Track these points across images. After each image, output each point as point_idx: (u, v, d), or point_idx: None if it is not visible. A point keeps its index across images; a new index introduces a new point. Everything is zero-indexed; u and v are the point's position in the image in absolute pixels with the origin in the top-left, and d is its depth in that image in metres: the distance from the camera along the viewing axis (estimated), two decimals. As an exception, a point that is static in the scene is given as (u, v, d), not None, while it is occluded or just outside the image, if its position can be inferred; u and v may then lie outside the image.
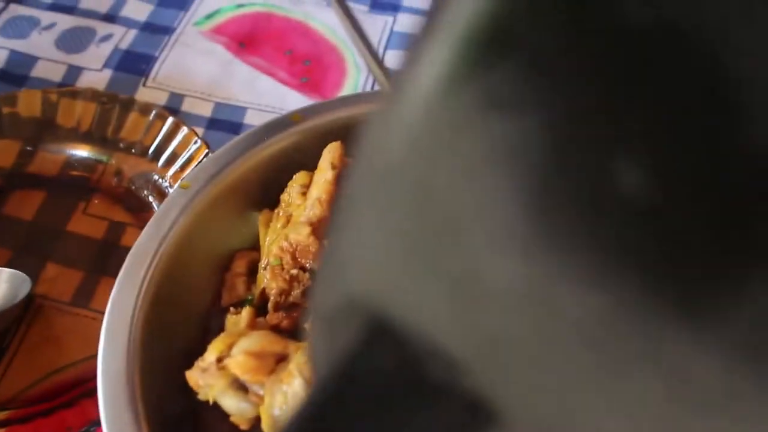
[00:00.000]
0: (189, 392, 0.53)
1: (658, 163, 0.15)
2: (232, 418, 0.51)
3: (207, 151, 0.70)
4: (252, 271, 0.61)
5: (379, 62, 0.57)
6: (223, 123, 0.78)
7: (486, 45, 0.16)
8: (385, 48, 0.86)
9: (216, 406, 0.52)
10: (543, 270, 0.16)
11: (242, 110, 0.79)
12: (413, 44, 0.18)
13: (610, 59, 0.15)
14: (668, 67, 0.14)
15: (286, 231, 0.57)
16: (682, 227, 0.15)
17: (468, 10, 0.16)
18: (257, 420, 0.51)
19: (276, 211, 0.61)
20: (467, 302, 0.18)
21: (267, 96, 0.81)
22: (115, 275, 0.56)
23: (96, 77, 0.82)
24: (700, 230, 0.15)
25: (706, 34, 0.14)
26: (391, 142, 0.18)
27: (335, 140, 0.61)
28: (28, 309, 0.64)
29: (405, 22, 0.89)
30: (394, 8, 0.90)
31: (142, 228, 0.69)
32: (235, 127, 0.78)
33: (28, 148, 0.74)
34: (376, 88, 0.82)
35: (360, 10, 0.89)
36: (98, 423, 0.58)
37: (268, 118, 0.77)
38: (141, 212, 0.71)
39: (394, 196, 0.19)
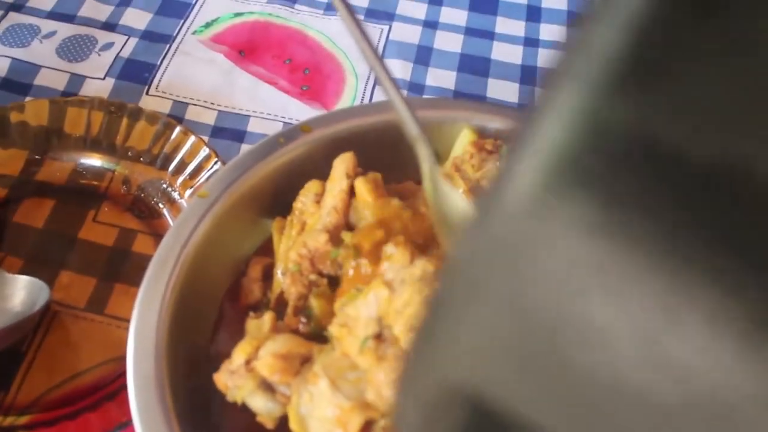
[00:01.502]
0: (211, 392, 0.56)
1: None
2: (258, 418, 0.54)
3: (216, 159, 0.72)
4: (266, 276, 0.64)
5: (383, 64, 0.60)
6: (228, 131, 0.80)
7: (565, 175, 0.18)
8: (382, 56, 0.88)
9: (237, 406, 0.55)
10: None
11: (245, 118, 0.81)
12: (502, 162, 0.20)
13: (680, 197, 0.17)
14: (741, 204, 0.17)
15: (304, 238, 0.60)
16: None
17: (552, 142, 0.18)
18: (281, 419, 0.54)
19: (289, 218, 0.63)
20: (581, 402, 0.19)
21: (269, 104, 0.83)
22: (126, 281, 0.58)
23: (99, 86, 0.83)
24: None
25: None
26: (482, 253, 0.20)
27: (345, 150, 0.63)
28: (44, 315, 0.66)
29: (399, 31, 0.92)
30: (389, 17, 0.93)
31: (152, 234, 0.72)
32: (239, 135, 0.80)
33: (36, 156, 0.76)
34: (375, 95, 0.85)
35: (355, 19, 0.92)
36: (123, 425, 0.60)
37: (271, 125, 0.80)
38: (151, 219, 0.73)
39: (486, 302, 0.21)
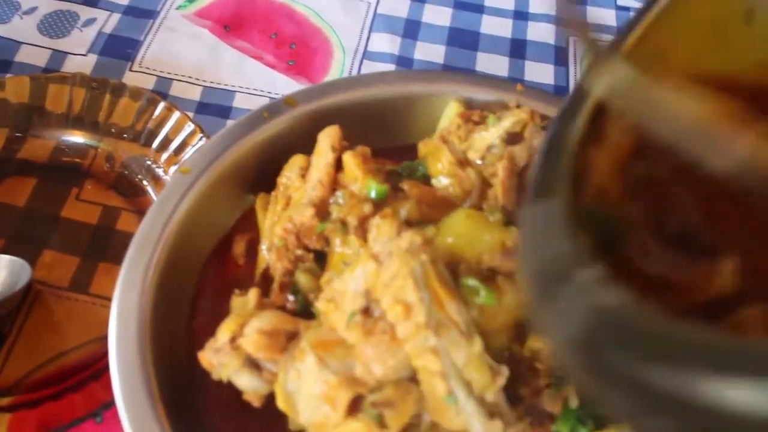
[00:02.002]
0: (195, 371, 0.55)
1: None
2: (245, 396, 0.53)
3: (201, 135, 0.71)
4: (250, 253, 0.62)
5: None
6: (213, 107, 0.79)
7: None
8: (370, 30, 0.87)
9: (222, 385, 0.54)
10: None
11: (231, 94, 0.80)
12: None
13: None
14: None
15: (289, 212, 0.58)
16: None
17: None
18: (268, 397, 0.53)
19: (273, 194, 0.62)
20: None
21: (255, 79, 0.82)
22: (111, 260, 0.57)
23: (81, 62, 0.82)
24: None
25: None
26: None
27: (330, 124, 0.62)
28: (27, 295, 0.65)
29: (388, 5, 0.90)
30: (377, -9, 0.92)
31: (136, 212, 0.71)
32: (225, 111, 0.79)
33: (18, 134, 0.74)
34: (363, 69, 0.84)
35: (343, -7, 0.91)
36: (108, 405, 0.59)
37: (257, 101, 0.79)
38: (135, 197, 0.71)
39: None
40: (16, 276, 0.63)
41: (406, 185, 0.57)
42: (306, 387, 0.49)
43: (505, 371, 0.48)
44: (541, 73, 0.85)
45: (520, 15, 0.91)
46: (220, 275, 0.61)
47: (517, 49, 0.88)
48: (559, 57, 0.87)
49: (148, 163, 0.73)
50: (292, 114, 0.65)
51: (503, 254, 0.51)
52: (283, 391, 0.51)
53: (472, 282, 0.49)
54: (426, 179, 0.59)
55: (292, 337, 0.52)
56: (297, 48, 0.85)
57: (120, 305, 0.54)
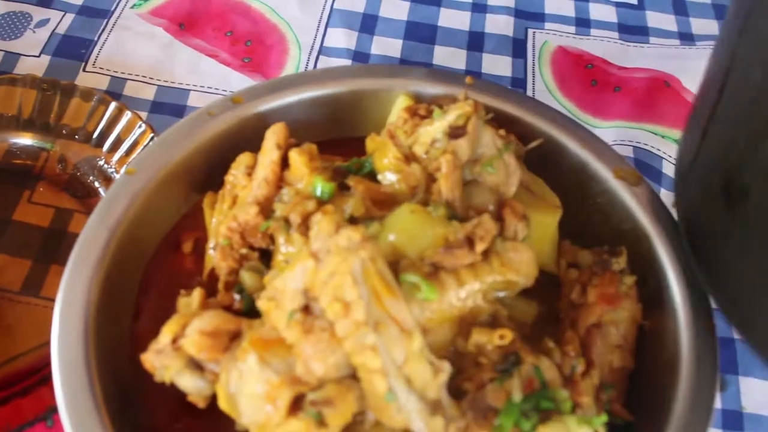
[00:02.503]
0: (141, 374, 0.55)
1: None
2: (189, 398, 0.52)
3: (152, 134, 0.70)
4: (198, 252, 0.62)
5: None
6: (167, 106, 0.78)
7: None
8: (326, 26, 0.87)
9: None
10: None
11: (185, 93, 0.80)
12: None
13: None
14: None
15: (234, 211, 0.58)
16: None
17: None
18: (214, 398, 0.52)
19: (221, 192, 0.62)
20: None
21: (210, 77, 0.81)
22: (63, 262, 0.56)
23: (34, 63, 0.81)
24: None
25: None
26: None
27: (277, 121, 0.61)
28: None
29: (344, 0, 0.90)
30: (334, -15, 0.91)
31: (88, 214, 0.69)
32: (178, 110, 0.78)
33: None
34: (319, 65, 0.83)
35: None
36: (56, 410, 0.59)
37: (211, 99, 0.78)
38: (87, 198, 0.71)
39: None
40: (-37, 281, 0.63)
41: (351, 181, 0.57)
42: (248, 387, 0.49)
43: (447, 367, 0.48)
44: (498, 65, 0.85)
45: (479, 7, 0.91)
46: (166, 275, 0.60)
47: (475, 41, 0.87)
48: (517, 49, 0.87)
49: (100, 164, 0.72)
50: (238, 112, 0.64)
51: (445, 250, 0.51)
52: (225, 392, 0.50)
53: (412, 278, 0.49)
54: (373, 176, 0.59)
55: (235, 336, 0.51)
56: (252, 45, 0.84)
57: (63, 307, 0.54)
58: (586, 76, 0.86)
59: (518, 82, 0.83)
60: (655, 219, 0.59)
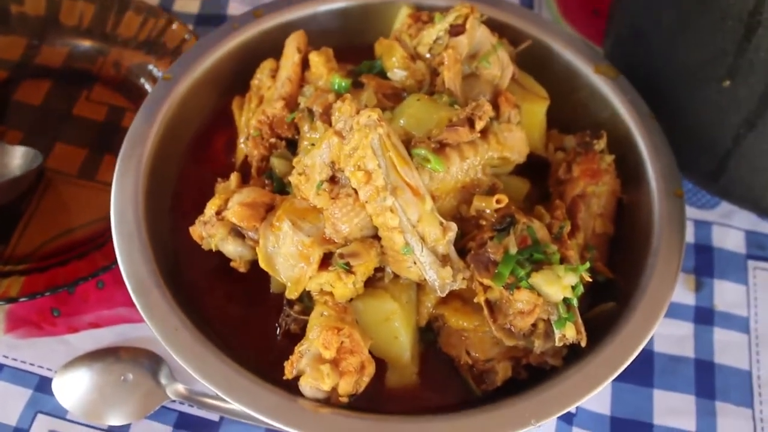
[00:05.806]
0: (181, 248, 0.60)
1: None
2: (232, 263, 0.56)
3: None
4: (229, 147, 0.66)
5: None
6: (210, 18, 0.83)
7: None
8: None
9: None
10: None
11: (225, 2, 0.83)
12: None
13: None
14: None
15: (263, 107, 0.61)
16: None
17: None
18: (252, 264, 0.57)
19: (247, 95, 0.65)
20: None
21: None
22: (116, 153, 0.62)
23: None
24: None
25: None
26: None
27: (294, 32, 0.65)
28: (40, 181, 0.68)
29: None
30: None
31: (138, 112, 0.76)
32: (221, 21, 0.81)
33: (35, 42, 0.77)
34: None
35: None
36: (106, 268, 0.62)
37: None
38: (138, 98, 0.73)
39: None
40: (30, 163, 0.66)
41: (364, 78, 0.60)
42: (284, 248, 0.53)
43: (453, 227, 0.51)
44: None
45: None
46: (201, 166, 0.65)
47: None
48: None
49: (150, 68, 0.75)
50: (260, 24, 0.68)
51: (449, 128, 0.54)
52: (264, 253, 0.54)
53: (422, 152, 0.52)
54: (383, 75, 0.61)
55: (270, 208, 0.55)
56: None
57: (118, 189, 0.58)
58: (588, 5, 0.89)
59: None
60: (631, 107, 0.63)
